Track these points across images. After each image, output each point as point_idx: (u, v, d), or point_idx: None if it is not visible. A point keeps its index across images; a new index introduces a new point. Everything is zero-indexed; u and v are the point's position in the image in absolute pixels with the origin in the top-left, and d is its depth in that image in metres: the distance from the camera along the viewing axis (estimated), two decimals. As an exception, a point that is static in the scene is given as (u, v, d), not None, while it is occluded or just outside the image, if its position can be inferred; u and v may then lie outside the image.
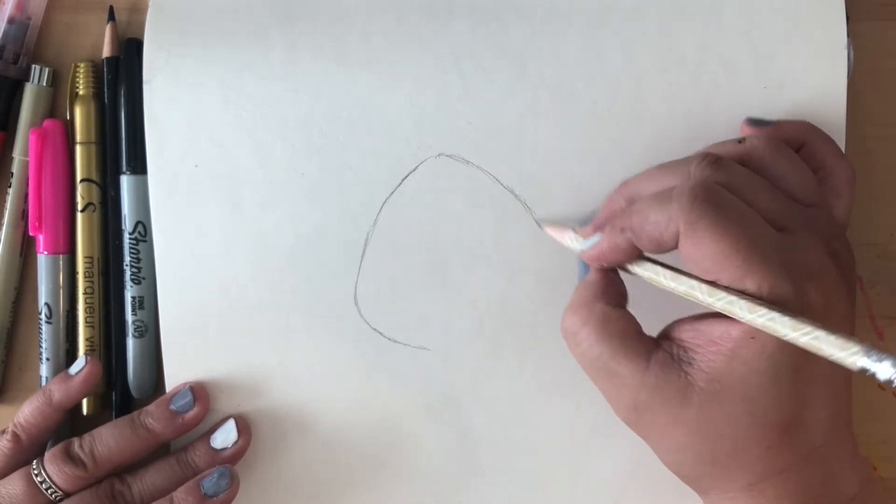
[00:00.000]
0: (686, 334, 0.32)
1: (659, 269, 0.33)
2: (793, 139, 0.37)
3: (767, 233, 0.31)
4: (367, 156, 0.41)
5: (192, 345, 0.41)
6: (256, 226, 0.41)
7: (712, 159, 0.32)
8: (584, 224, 0.36)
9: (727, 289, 0.30)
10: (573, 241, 0.37)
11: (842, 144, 0.40)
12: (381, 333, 0.41)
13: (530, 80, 0.40)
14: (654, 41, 0.40)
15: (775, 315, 0.29)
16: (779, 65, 0.40)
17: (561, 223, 0.39)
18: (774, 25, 0.40)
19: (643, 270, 0.33)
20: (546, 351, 0.41)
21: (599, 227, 0.35)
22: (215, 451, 0.40)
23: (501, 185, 0.41)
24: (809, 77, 0.40)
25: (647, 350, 0.32)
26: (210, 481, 0.38)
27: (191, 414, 0.40)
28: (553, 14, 0.40)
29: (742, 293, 0.30)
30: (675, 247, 0.31)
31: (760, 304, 0.29)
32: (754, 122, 0.38)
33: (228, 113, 0.41)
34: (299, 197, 0.41)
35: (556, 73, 0.40)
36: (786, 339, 0.29)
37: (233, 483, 0.38)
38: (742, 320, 0.30)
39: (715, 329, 0.31)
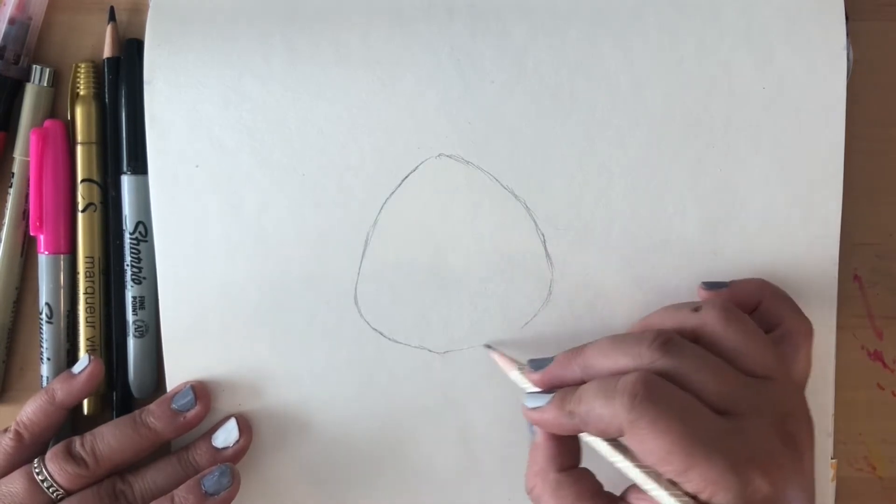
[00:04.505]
0: (642, 503, 0.32)
1: (599, 440, 0.33)
2: (748, 299, 0.37)
3: (711, 424, 0.31)
4: (367, 156, 0.41)
5: (193, 344, 0.41)
6: (256, 226, 0.41)
7: (662, 341, 0.32)
8: (533, 368, 0.36)
9: (660, 480, 0.31)
10: (518, 379, 0.37)
11: (842, 144, 0.40)
12: (381, 333, 0.41)
13: (530, 80, 0.40)
14: (653, 41, 0.40)
15: None
16: (779, 65, 0.40)
17: (509, 356, 0.39)
18: (774, 26, 0.40)
19: (584, 435, 0.34)
20: (546, 351, 0.41)
21: (545, 385, 0.35)
22: (217, 449, 0.40)
23: (501, 185, 0.41)
24: (809, 77, 0.40)
25: None
26: (211, 479, 0.38)
27: (192, 413, 0.40)
28: (553, 14, 0.40)
29: (674, 487, 0.30)
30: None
31: None
32: (709, 286, 0.38)
33: (228, 113, 0.41)
34: (299, 197, 0.41)
35: (555, 74, 0.40)
36: None
37: (233, 481, 0.38)
38: None
39: None
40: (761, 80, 0.40)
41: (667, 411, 0.30)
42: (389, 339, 0.41)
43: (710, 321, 0.34)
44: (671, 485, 0.31)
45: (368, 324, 0.41)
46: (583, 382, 0.33)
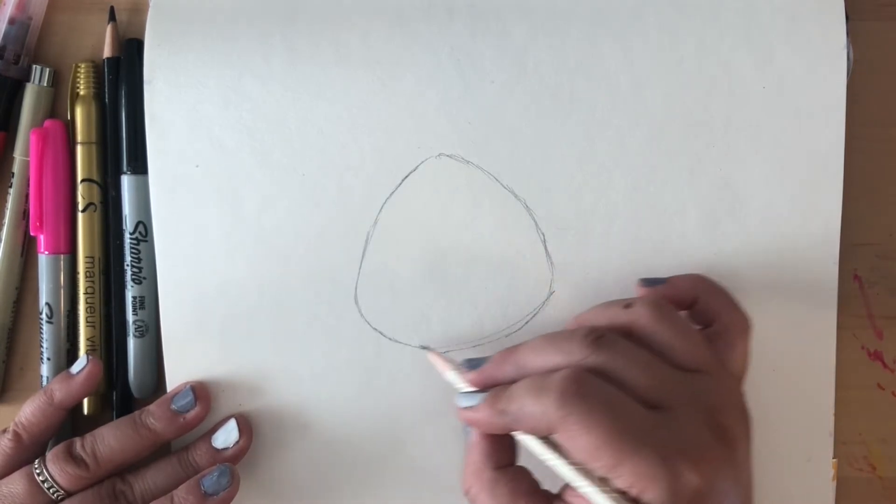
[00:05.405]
0: (577, 500, 0.32)
1: (531, 439, 0.33)
2: (684, 295, 0.37)
3: (640, 418, 0.31)
4: (367, 156, 0.41)
5: (193, 345, 0.41)
6: (256, 226, 0.41)
7: (594, 337, 0.33)
8: (469, 367, 0.36)
9: (591, 476, 0.31)
10: (454, 379, 0.37)
11: (842, 144, 0.40)
12: (381, 333, 0.41)
13: (530, 80, 0.40)
14: (653, 41, 0.40)
15: None
16: (779, 65, 0.40)
17: (446, 356, 0.39)
18: (774, 26, 0.40)
19: (517, 434, 0.34)
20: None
21: (480, 385, 0.35)
22: (216, 450, 0.40)
23: (501, 185, 0.41)
24: (809, 77, 0.40)
25: None
26: (210, 480, 0.38)
27: (192, 413, 0.40)
28: (553, 14, 0.40)
29: (605, 483, 0.30)
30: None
31: (615, 502, 0.30)
32: (646, 283, 0.38)
33: (228, 113, 0.41)
34: (299, 197, 0.41)
35: (555, 74, 0.40)
36: None
37: (233, 481, 0.38)
38: None
39: None
40: (761, 80, 0.40)
41: (596, 407, 0.30)
42: (389, 339, 0.41)
43: (641, 317, 0.34)
44: (602, 482, 0.31)
45: (368, 324, 0.41)
46: (517, 381, 0.33)
